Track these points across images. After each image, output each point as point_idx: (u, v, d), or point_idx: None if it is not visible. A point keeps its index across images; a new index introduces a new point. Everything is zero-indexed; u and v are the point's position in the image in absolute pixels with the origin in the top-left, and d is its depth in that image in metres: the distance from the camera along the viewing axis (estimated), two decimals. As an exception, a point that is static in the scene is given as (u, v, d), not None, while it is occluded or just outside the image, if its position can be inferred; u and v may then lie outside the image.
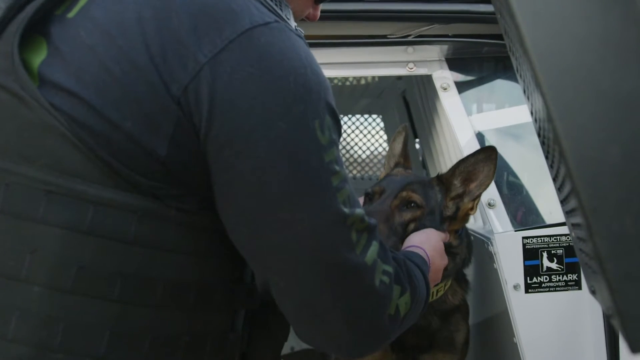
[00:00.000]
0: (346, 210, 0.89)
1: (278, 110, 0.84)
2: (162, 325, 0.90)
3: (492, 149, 1.50)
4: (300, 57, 0.87)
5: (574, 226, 1.01)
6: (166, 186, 0.86)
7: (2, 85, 0.86)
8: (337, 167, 0.89)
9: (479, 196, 1.52)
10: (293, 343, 2.55)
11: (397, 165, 1.72)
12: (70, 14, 0.90)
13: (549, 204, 1.71)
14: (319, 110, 0.87)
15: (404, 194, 1.50)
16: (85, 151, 0.84)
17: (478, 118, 1.90)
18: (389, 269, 0.96)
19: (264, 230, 0.87)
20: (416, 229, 1.46)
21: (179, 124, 0.84)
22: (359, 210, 0.92)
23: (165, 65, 0.83)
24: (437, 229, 1.47)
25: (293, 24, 1.02)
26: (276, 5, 0.98)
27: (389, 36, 1.87)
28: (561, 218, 1.41)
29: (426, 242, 1.32)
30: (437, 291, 1.53)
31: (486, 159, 1.50)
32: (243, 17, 0.85)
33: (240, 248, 0.92)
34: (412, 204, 1.49)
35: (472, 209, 1.52)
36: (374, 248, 0.93)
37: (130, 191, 0.85)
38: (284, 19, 0.93)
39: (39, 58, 0.87)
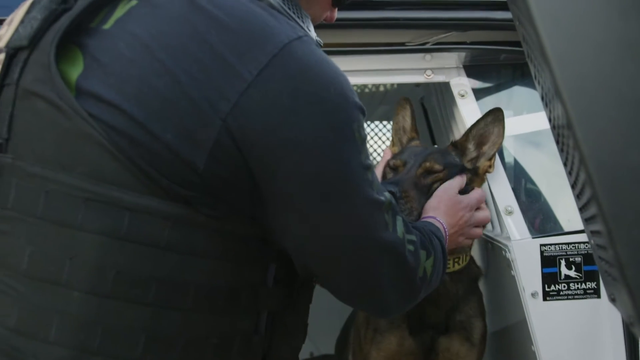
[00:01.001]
0: (380, 197, 1.00)
1: (325, 120, 0.91)
2: (193, 327, 0.93)
3: (498, 110, 1.65)
4: (331, 67, 0.94)
5: (593, 233, 1.00)
6: (200, 195, 0.89)
7: (40, 95, 0.89)
8: (369, 162, 0.99)
9: (494, 155, 1.66)
10: (312, 348, 2.54)
11: (411, 140, 1.81)
12: (106, 26, 0.92)
13: (567, 211, 1.70)
14: (354, 113, 0.94)
15: (427, 164, 1.61)
16: (122, 160, 0.86)
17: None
18: (413, 237, 1.09)
19: (319, 227, 0.96)
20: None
21: (220, 138, 0.87)
22: (387, 194, 1.04)
23: (209, 82, 0.86)
24: None
25: (314, 34, 1.05)
26: (298, 17, 1.03)
27: (406, 44, 1.87)
28: (579, 225, 1.41)
29: (437, 206, 1.44)
30: (466, 255, 1.65)
31: (495, 120, 1.65)
32: (279, 33, 0.90)
33: (292, 247, 0.99)
34: (433, 172, 1.60)
35: (490, 166, 1.66)
36: (399, 223, 1.05)
37: (163, 198, 0.88)
38: (306, 31, 0.98)
39: (75, 70, 0.90)
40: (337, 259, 1.00)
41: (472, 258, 1.75)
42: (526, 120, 1.89)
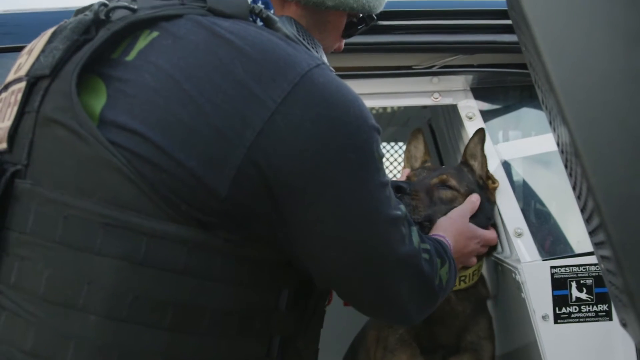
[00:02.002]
0: (397, 212, 1.04)
1: (347, 143, 0.94)
2: (208, 351, 0.95)
3: (480, 130, 1.75)
4: (349, 92, 0.97)
5: (603, 258, 1.00)
6: (219, 220, 0.91)
7: (61, 122, 0.91)
8: (387, 178, 1.03)
9: (487, 173, 1.74)
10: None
11: (424, 162, 1.88)
12: (129, 57, 0.94)
13: (577, 232, 1.69)
14: (373, 133, 0.98)
15: (443, 176, 1.68)
16: (142, 185, 0.88)
17: (504, 147, 1.89)
18: (427, 246, 1.14)
19: (343, 248, 0.99)
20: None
21: (244, 166, 0.89)
22: (402, 207, 1.08)
23: (233, 111, 0.89)
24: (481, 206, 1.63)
25: (326, 62, 1.08)
26: (312, 47, 1.06)
27: (414, 67, 1.89)
28: (590, 247, 1.40)
29: (449, 227, 1.46)
30: (473, 274, 1.68)
31: (478, 140, 1.75)
32: (300, 61, 0.93)
33: (315, 268, 1.01)
34: (448, 185, 1.66)
35: (494, 183, 1.74)
36: (414, 233, 1.09)
37: (181, 223, 0.90)
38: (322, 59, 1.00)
39: (98, 101, 0.92)
40: (359, 276, 1.03)
41: (482, 278, 1.77)
42: (535, 142, 1.90)
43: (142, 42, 0.95)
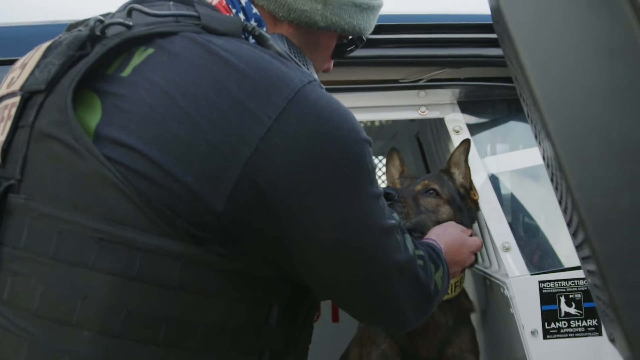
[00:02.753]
0: (391, 221, 1.05)
1: (342, 158, 0.95)
2: None
3: (465, 141, 1.78)
4: (340, 107, 0.98)
5: (589, 273, 1.00)
6: (214, 235, 0.91)
7: (56, 137, 0.91)
8: (379, 189, 1.04)
9: (471, 184, 1.77)
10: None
11: (403, 172, 1.95)
12: (124, 74, 0.95)
13: (565, 246, 1.69)
14: (365, 146, 0.99)
15: (425, 182, 1.73)
16: (137, 201, 0.88)
17: (491, 160, 1.90)
18: (421, 252, 1.16)
19: (340, 260, 1.00)
20: (449, 218, 1.67)
21: (240, 182, 0.90)
22: (395, 215, 1.10)
23: (229, 128, 0.89)
24: (463, 211, 1.71)
25: (317, 79, 1.08)
26: (303, 64, 1.08)
27: (401, 80, 1.89)
28: (578, 261, 1.40)
29: (442, 234, 1.49)
30: (456, 285, 1.70)
31: (463, 150, 1.78)
32: (293, 78, 0.94)
33: (313, 281, 1.03)
34: (431, 191, 1.70)
35: (474, 194, 1.77)
36: (408, 241, 1.11)
37: (175, 239, 0.90)
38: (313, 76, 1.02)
39: (93, 116, 0.92)
40: (357, 285, 1.05)
41: (463, 291, 1.77)
42: (522, 155, 1.89)
43: (137, 59, 0.96)
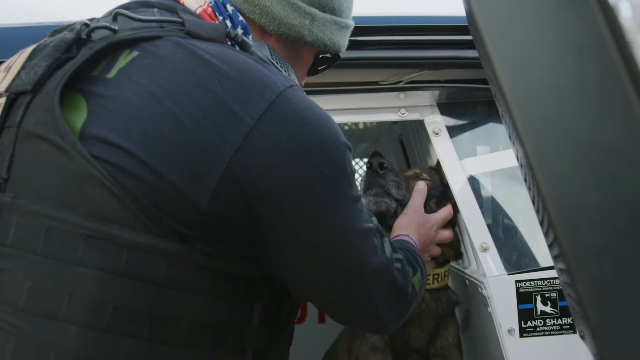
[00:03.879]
0: (370, 224, 1.08)
1: (321, 159, 0.98)
2: None
3: None
4: (321, 111, 1.01)
5: (560, 271, 1.01)
6: (199, 233, 0.93)
7: (43, 137, 0.93)
8: (359, 193, 1.07)
9: None
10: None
11: None
12: (109, 75, 0.97)
13: (541, 246, 1.71)
14: (344, 150, 1.02)
15: (417, 170, 1.83)
16: (124, 199, 0.90)
17: (471, 162, 1.90)
18: (399, 256, 1.18)
19: (318, 260, 1.03)
20: (431, 196, 1.74)
21: (224, 180, 0.92)
22: (374, 219, 1.12)
23: (213, 127, 0.92)
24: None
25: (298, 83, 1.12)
26: (285, 70, 1.14)
27: (380, 83, 1.89)
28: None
29: (409, 224, 1.55)
30: (444, 274, 1.79)
31: None
32: (275, 81, 0.97)
33: (291, 280, 1.05)
34: (423, 179, 1.78)
35: None
36: (386, 244, 1.14)
37: (161, 236, 0.92)
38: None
39: (79, 116, 0.94)
40: (334, 287, 1.07)
41: (448, 285, 1.82)
42: (500, 157, 1.91)
43: (122, 61, 0.98)
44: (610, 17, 0.77)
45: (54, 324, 0.90)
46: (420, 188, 1.69)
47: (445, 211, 1.70)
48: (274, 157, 0.94)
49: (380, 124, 2.69)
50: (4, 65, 1.07)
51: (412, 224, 1.55)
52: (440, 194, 1.81)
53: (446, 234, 1.70)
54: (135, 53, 0.98)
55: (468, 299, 1.87)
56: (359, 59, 1.75)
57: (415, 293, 1.22)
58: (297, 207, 0.98)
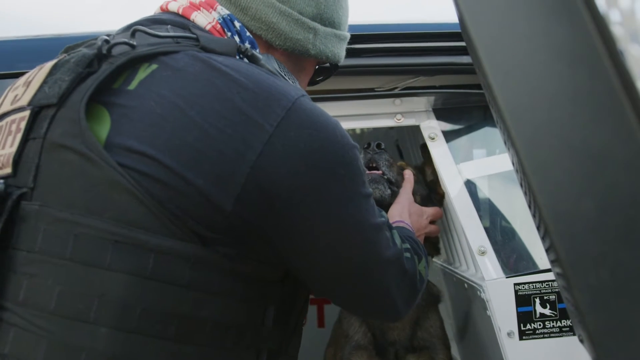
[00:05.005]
0: (381, 219, 1.15)
1: (337, 161, 1.04)
2: None
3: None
4: (330, 117, 1.07)
5: (557, 275, 1.02)
6: (221, 236, 0.98)
7: (69, 147, 0.96)
8: (370, 190, 1.13)
9: (438, 183, 1.89)
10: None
11: None
12: (130, 87, 1.01)
13: (539, 249, 1.71)
14: (355, 151, 1.08)
15: (403, 163, 1.92)
16: (150, 205, 0.94)
17: (468, 166, 1.92)
18: (407, 245, 1.26)
19: (337, 257, 1.08)
20: (416, 191, 1.82)
21: (247, 184, 0.97)
22: (383, 213, 1.21)
23: (235, 135, 0.97)
24: (432, 200, 1.89)
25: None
26: (292, 82, 1.21)
27: (376, 89, 1.90)
28: (551, 264, 1.42)
29: (402, 211, 1.65)
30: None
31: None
32: (289, 91, 1.03)
33: (311, 278, 1.11)
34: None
35: (440, 190, 1.90)
36: (396, 236, 1.21)
37: (184, 240, 0.96)
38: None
39: (103, 127, 0.98)
40: (353, 280, 1.13)
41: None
42: (497, 160, 1.92)
43: (142, 74, 1.02)
44: (600, 25, 0.77)
45: (84, 326, 0.93)
46: (408, 177, 1.80)
47: (436, 209, 1.82)
48: (293, 161, 0.99)
49: (376, 129, 2.70)
50: (22, 81, 1.11)
51: (405, 211, 1.65)
52: (426, 195, 1.89)
53: (434, 227, 1.81)
54: (154, 66, 1.02)
55: (467, 302, 1.87)
56: (355, 66, 1.76)
57: (423, 279, 1.30)
58: (317, 205, 1.03)
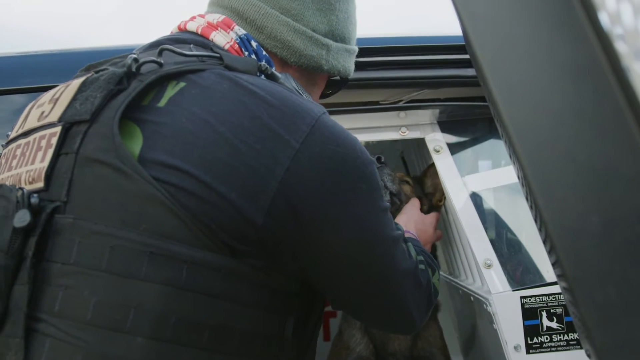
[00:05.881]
0: (398, 232, 1.19)
1: (358, 175, 1.08)
2: None
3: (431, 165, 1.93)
4: (350, 133, 1.11)
5: (564, 290, 1.01)
6: (251, 248, 1.01)
7: (103, 162, 0.99)
8: (387, 204, 1.17)
9: (442, 194, 1.93)
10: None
11: None
12: (160, 104, 1.04)
13: (546, 261, 1.71)
14: (373, 166, 1.12)
15: (402, 174, 1.97)
16: (184, 217, 0.97)
17: (473, 178, 1.92)
18: (421, 258, 1.31)
19: (358, 269, 1.12)
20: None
21: (276, 198, 1.00)
22: (400, 226, 1.24)
23: (264, 151, 1.00)
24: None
25: None
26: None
27: (381, 102, 1.91)
28: (558, 277, 1.42)
29: (409, 221, 1.72)
30: None
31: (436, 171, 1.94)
32: (312, 108, 1.06)
33: (332, 291, 1.16)
34: (405, 181, 1.93)
35: (440, 201, 1.97)
36: (411, 248, 1.25)
37: (215, 251, 0.99)
38: None
39: (135, 142, 1.01)
40: (372, 291, 1.17)
41: None
42: (502, 173, 1.92)
43: (170, 91, 1.05)
44: (604, 41, 0.77)
45: (121, 336, 0.95)
46: (416, 201, 1.86)
47: (435, 215, 1.86)
48: (318, 175, 1.03)
49: (382, 141, 2.70)
50: (47, 97, 1.14)
51: (411, 222, 1.70)
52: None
53: (439, 232, 1.87)
54: (182, 84, 1.05)
55: (473, 315, 1.87)
56: (360, 79, 1.77)
57: (437, 292, 1.34)
58: (341, 218, 1.07)
